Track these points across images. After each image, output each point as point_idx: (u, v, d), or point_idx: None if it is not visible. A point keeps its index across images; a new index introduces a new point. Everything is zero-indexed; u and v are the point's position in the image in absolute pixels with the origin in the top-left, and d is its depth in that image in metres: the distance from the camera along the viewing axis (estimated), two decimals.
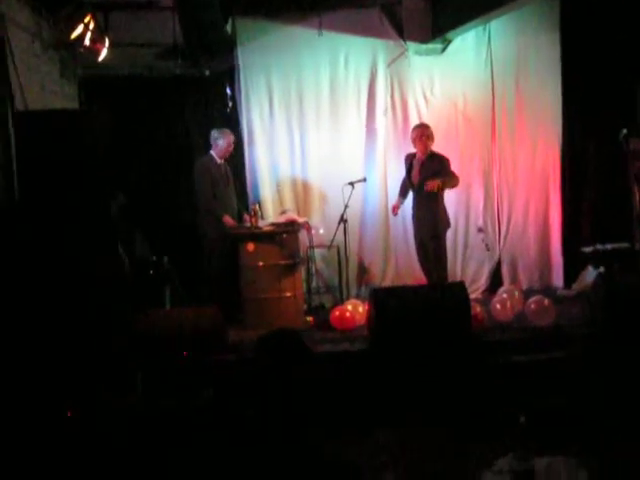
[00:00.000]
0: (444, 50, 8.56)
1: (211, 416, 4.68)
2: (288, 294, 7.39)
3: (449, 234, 7.89)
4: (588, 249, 8.08)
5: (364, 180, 8.11)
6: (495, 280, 8.65)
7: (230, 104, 8.33)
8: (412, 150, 7.80)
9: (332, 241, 7.93)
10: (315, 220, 8.30)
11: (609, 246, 7.96)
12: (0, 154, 5.66)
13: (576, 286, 8.30)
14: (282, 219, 7.64)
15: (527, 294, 7.62)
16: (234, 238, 7.55)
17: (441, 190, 7.54)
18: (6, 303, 5.28)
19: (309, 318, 7.63)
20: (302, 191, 8.49)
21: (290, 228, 7.52)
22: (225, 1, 7.45)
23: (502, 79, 8.66)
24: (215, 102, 8.41)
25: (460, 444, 5.30)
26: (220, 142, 7.71)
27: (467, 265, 8.69)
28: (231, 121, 8.24)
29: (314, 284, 8.25)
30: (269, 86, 8.39)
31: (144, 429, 4.52)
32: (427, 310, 6.36)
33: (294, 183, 8.48)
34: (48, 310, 5.43)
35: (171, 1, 7.40)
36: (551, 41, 8.61)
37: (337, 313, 7.27)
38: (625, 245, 7.95)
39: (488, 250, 8.65)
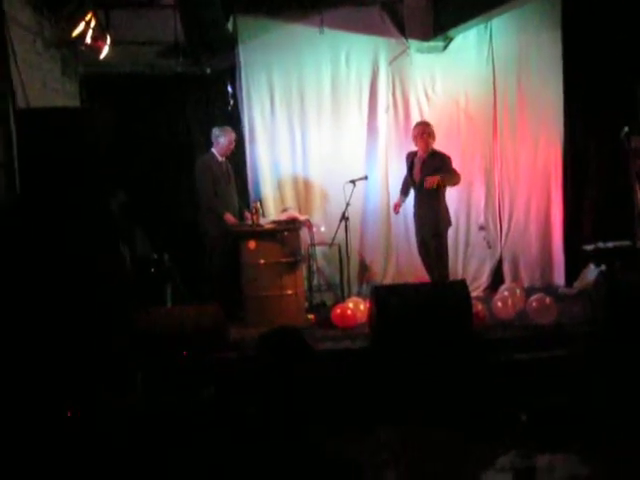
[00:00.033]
0: (446, 48, 8.55)
1: (213, 414, 4.67)
2: (289, 292, 7.39)
3: (450, 232, 7.88)
4: (590, 247, 8.06)
5: (365, 178, 8.11)
6: (496, 278, 8.64)
7: (231, 102, 8.33)
8: (413, 148, 7.79)
9: (333, 239, 7.93)
10: (316, 218, 8.29)
11: (611, 244, 7.94)
12: (2, 151, 5.66)
13: (577, 284, 8.30)
14: (283, 217, 7.63)
15: (528, 292, 7.59)
16: (235, 236, 7.55)
17: (441, 187, 7.53)
18: (7, 301, 5.28)
19: (310, 316, 7.61)
20: (303, 189, 8.49)
21: (291, 226, 7.51)
22: None
23: (504, 77, 8.65)
24: (216, 100, 8.41)
25: (461, 442, 5.30)
26: (221, 140, 7.71)
27: (468, 263, 8.69)
28: (232, 119, 8.23)
29: (315, 282, 8.23)
30: (270, 84, 8.38)
31: (144, 428, 4.51)
32: (428, 308, 6.35)
33: (295, 181, 8.47)
34: (49, 308, 5.42)
35: None
36: (553, 39, 8.60)
37: (338, 311, 7.26)
38: (627, 243, 7.94)
39: (489, 248, 8.66)
